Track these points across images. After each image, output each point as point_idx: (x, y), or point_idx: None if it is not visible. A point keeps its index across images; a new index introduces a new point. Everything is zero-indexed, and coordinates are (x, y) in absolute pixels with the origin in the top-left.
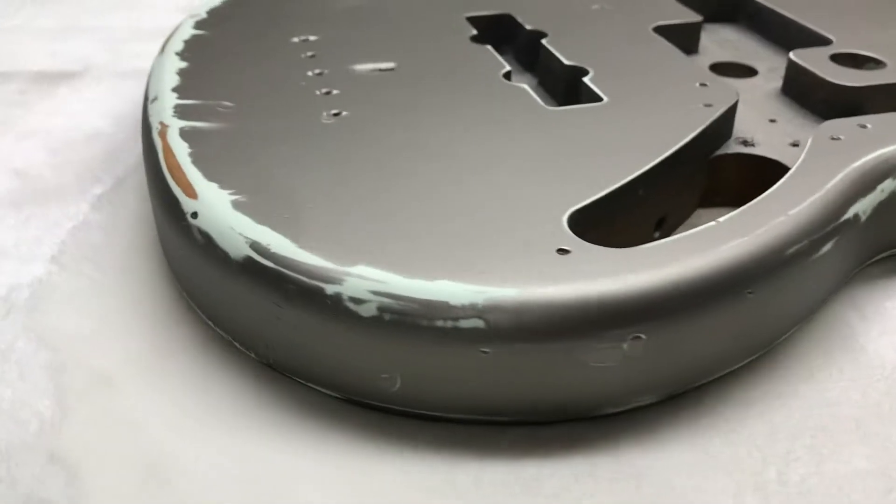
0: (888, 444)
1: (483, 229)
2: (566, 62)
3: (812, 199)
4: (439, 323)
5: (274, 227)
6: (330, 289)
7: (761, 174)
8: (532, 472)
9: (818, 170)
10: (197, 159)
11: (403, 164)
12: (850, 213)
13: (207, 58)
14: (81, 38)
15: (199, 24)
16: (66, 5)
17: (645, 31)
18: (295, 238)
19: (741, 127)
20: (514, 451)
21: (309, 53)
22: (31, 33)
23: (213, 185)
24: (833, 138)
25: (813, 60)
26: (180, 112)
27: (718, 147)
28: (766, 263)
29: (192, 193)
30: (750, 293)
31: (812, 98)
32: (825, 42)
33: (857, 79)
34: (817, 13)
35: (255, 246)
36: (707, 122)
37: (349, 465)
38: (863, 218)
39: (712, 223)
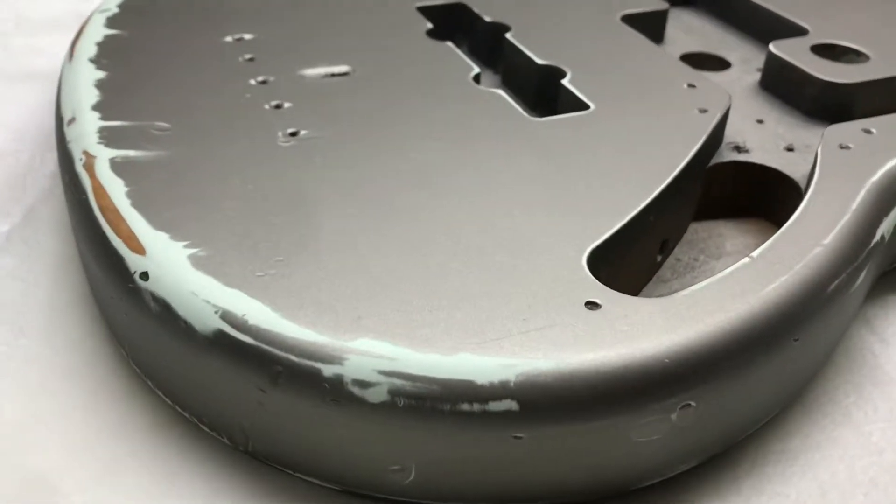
0: None
1: (497, 281)
2: (539, 61)
3: (842, 223)
4: (464, 407)
5: (248, 291)
6: (328, 370)
7: (759, 183)
8: None
9: (838, 188)
10: (138, 201)
11: (387, 198)
12: (878, 236)
13: (129, 65)
14: None
15: (111, 22)
16: None
17: (613, 21)
18: (277, 305)
19: (729, 129)
20: None
21: (247, 56)
22: None
23: (164, 236)
24: (842, 147)
25: (795, 53)
26: (107, 138)
27: (713, 155)
28: (812, 303)
29: (137, 247)
30: (796, 340)
31: (798, 95)
32: (797, 29)
33: (847, 75)
34: None
35: (227, 316)
36: (707, 132)
37: None
38: (886, 238)
39: (746, 260)
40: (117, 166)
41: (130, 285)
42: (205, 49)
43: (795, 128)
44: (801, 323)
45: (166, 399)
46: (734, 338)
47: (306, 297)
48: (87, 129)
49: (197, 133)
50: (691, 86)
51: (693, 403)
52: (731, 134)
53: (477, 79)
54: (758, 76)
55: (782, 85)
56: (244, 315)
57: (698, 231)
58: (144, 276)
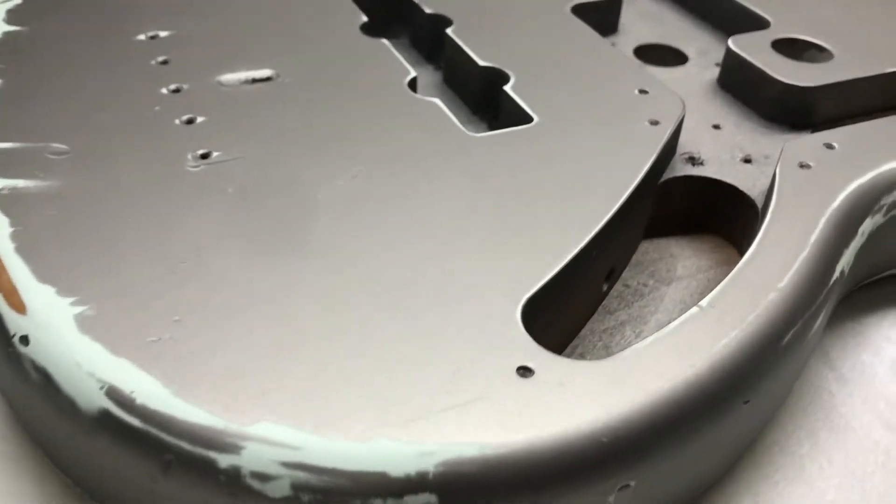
0: None
1: (421, 342)
2: (481, 63)
3: (799, 261)
4: (377, 503)
5: (138, 361)
6: (224, 460)
7: (713, 199)
8: None
9: (795, 218)
10: (23, 244)
11: (301, 240)
12: (837, 272)
13: (27, 69)
14: None
15: (12, 16)
16: None
17: (563, 13)
18: (168, 378)
19: (683, 136)
20: None
21: (161, 59)
22: None
23: (48, 291)
24: (801, 166)
25: (754, 51)
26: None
27: (665, 170)
28: (765, 359)
29: (18, 304)
30: (747, 402)
31: (757, 97)
32: (759, 21)
33: (808, 77)
34: None
35: (113, 393)
36: (658, 148)
37: None
38: (846, 272)
39: (694, 310)
40: (3, 200)
41: (10, 349)
42: (115, 49)
43: (754, 134)
44: (752, 383)
45: (67, 477)
46: (678, 407)
47: (203, 369)
48: None
49: (97, 157)
50: (643, 91)
51: (632, 483)
52: (686, 142)
53: (413, 84)
54: (716, 71)
55: (741, 85)
56: (132, 392)
57: (649, 251)
58: (24, 340)
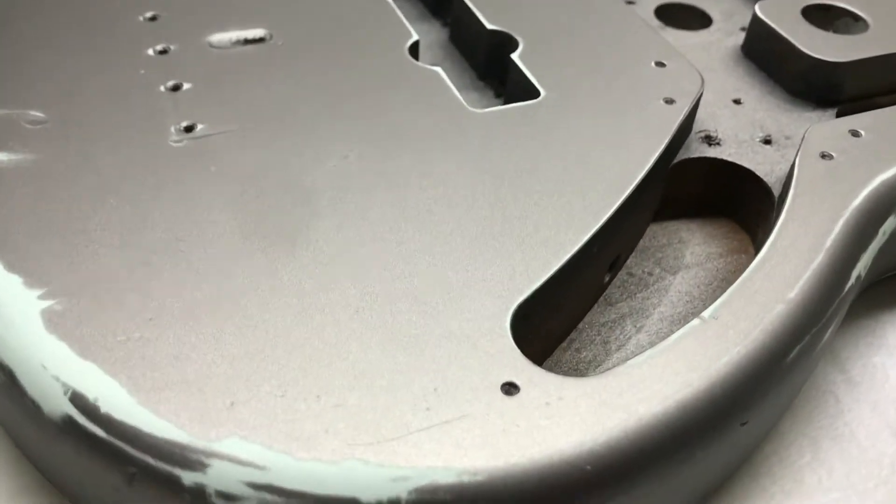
0: None
1: (403, 352)
2: (489, 25)
3: (812, 268)
4: None
5: (104, 364)
6: (189, 478)
7: (728, 182)
8: None
9: (812, 216)
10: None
11: (286, 230)
12: (853, 278)
13: (8, 27)
14: None
15: None
16: None
17: None
18: (135, 385)
19: (701, 112)
20: None
21: (149, 14)
22: None
23: (16, 282)
24: (823, 156)
25: (782, 18)
26: None
27: (679, 151)
28: (767, 378)
29: None
30: (744, 424)
31: (782, 70)
32: None
33: (840, 51)
34: None
35: (77, 400)
36: (672, 130)
37: None
38: (863, 276)
39: (695, 322)
40: None
41: None
42: (102, 4)
43: (776, 111)
44: (751, 404)
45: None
46: (670, 432)
47: (172, 375)
48: None
49: (76, 127)
50: (660, 64)
51: None
52: (703, 118)
53: (415, 49)
54: (741, 37)
55: (766, 56)
56: (96, 400)
57: (657, 235)
58: None
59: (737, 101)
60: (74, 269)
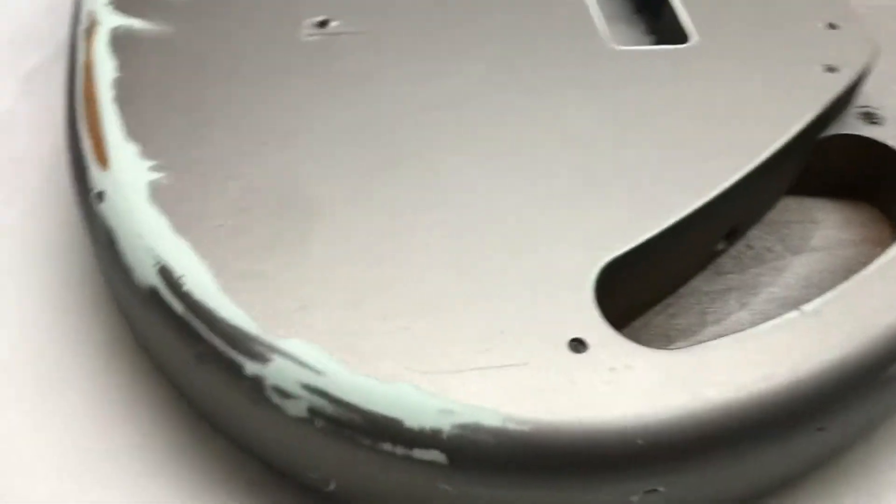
0: None
1: (479, 290)
2: None
3: None
4: (386, 447)
5: (196, 244)
6: (251, 368)
7: (879, 165)
8: None
9: None
10: (122, 94)
11: (390, 144)
12: None
13: None
14: None
15: None
16: None
17: None
18: (219, 270)
19: (868, 85)
20: None
21: None
22: None
23: (132, 150)
24: None
25: None
26: (117, 3)
27: (832, 122)
28: (858, 391)
29: (102, 157)
30: (821, 429)
31: None
32: None
33: None
34: None
35: (164, 273)
36: (827, 102)
37: None
38: None
39: (794, 313)
40: (117, 41)
41: (89, 202)
42: None
43: None
44: (833, 412)
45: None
46: (735, 423)
47: (255, 267)
48: None
49: (215, 6)
50: (832, 26)
51: (662, 489)
52: (869, 93)
53: None
54: None
55: None
56: (181, 277)
57: (788, 210)
58: (100, 196)
59: None
60: (188, 146)
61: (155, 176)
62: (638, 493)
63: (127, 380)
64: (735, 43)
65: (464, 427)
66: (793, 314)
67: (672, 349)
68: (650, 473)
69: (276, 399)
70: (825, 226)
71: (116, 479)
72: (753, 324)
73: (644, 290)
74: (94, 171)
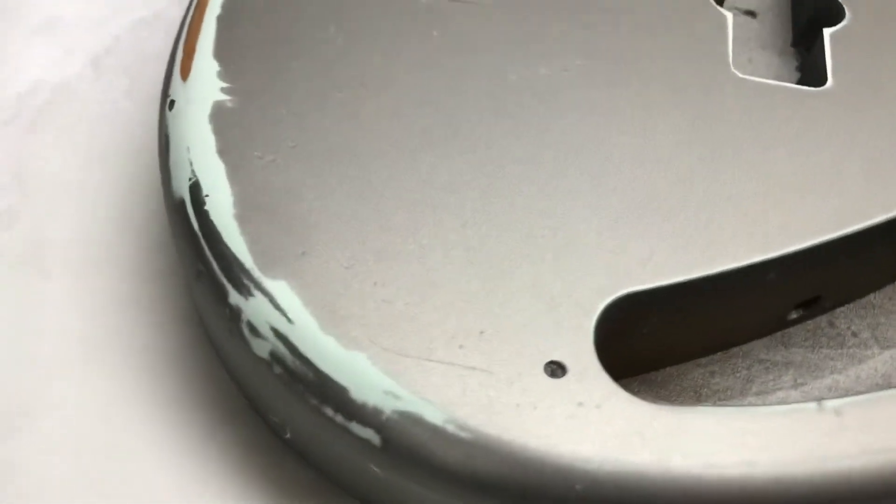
0: None
1: (472, 286)
2: None
3: None
4: (328, 411)
5: (231, 169)
6: (233, 298)
7: None
8: None
9: None
10: (227, 13)
11: (457, 120)
12: None
13: None
14: None
15: None
16: None
17: None
18: (241, 198)
19: None
20: None
21: None
22: None
23: (213, 68)
24: None
25: None
26: None
27: None
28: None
29: (186, 69)
30: None
31: None
32: None
33: None
34: None
35: (193, 189)
36: None
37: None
38: None
39: (811, 405)
40: None
41: (163, 111)
42: None
43: None
44: None
45: None
46: (689, 500)
47: (273, 203)
48: None
49: None
50: None
51: None
52: None
53: None
54: None
55: None
56: (206, 196)
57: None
58: (171, 104)
59: None
60: (265, 77)
61: (223, 97)
62: None
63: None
64: (875, 98)
65: (404, 415)
66: (810, 405)
67: (658, 403)
68: None
69: (247, 334)
70: None
71: None
72: None
73: (674, 336)
74: (176, 80)
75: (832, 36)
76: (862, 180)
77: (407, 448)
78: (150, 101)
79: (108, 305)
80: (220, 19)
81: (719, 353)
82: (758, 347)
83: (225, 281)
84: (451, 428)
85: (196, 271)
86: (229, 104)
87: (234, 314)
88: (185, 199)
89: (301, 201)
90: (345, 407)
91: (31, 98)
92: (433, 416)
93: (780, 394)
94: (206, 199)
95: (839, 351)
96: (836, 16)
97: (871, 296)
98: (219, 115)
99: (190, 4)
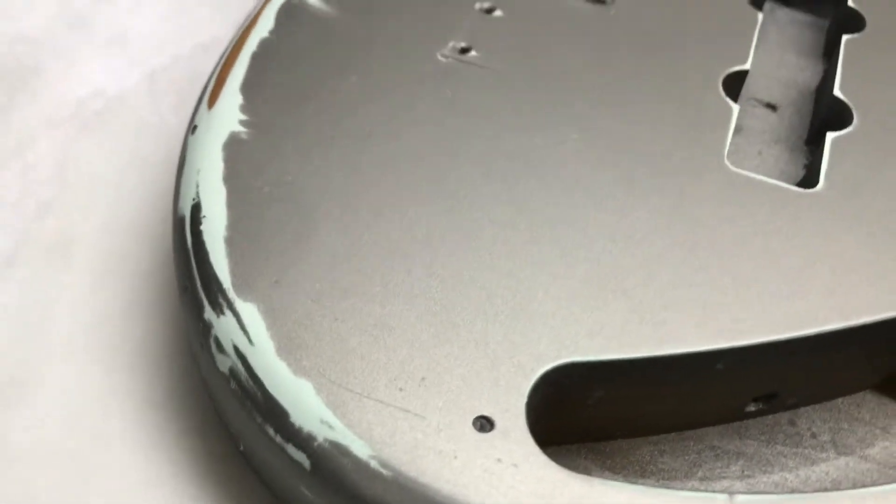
0: None
1: (423, 333)
2: (836, 90)
3: None
4: (270, 432)
5: (232, 194)
6: (207, 313)
7: None
8: None
9: None
10: (261, 52)
11: (448, 180)
12: None
13: None
14: None
15: None
16: None
17: None
18: (236, 221)
19: None
20: None
21: None
22: None
23: (237, 100)
24: None
25: None
26: None
27: None
28: None
29: (214, 97)
30: None
31: None
32: None
33: None
34: None
35: (195, 208)
36: None
37: None
38: None
39: (721, 497)
40: (289, 8)
41: (187, 136)
42: None
43: None
44: None
45: None
46: None
47: (260, 229)
48: None
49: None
50: None
51: None
52: None
53: (738, 77)
54: None
55: None
56: (204, 217)
57: (863, 404)
58: (194, 129)
59: None
60: (283, 114)
61: (239, 129)
62: None
63: None
64: (859, 207)
65: (334, 445)
66: (720, 497)
67: (576, 473)
68: None
69: (213, 349)
70: None
71: None
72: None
73: (620, 412)
74: (203, 106)
75: (834, 140)
76: (827, 286)
77: (332, 476)
78: None
79: (117, 305)
80: (254, 56)
81: (673, 434)
82: (712, 433)
83: (203, 297)
84: (373, 464)
85: (183, 285)
86: (244, 135)
87: (206, 329)
88: (186, 217)
89: (285, 233)
90: (284, 429)
91: (90, 102)
92: (360, 450)
93: (725, 482)
94: (203, 220)
95: (794, 450)
96: (844, 121)
97: (839, 400)
98: (232, 145)
99: (234, 38)
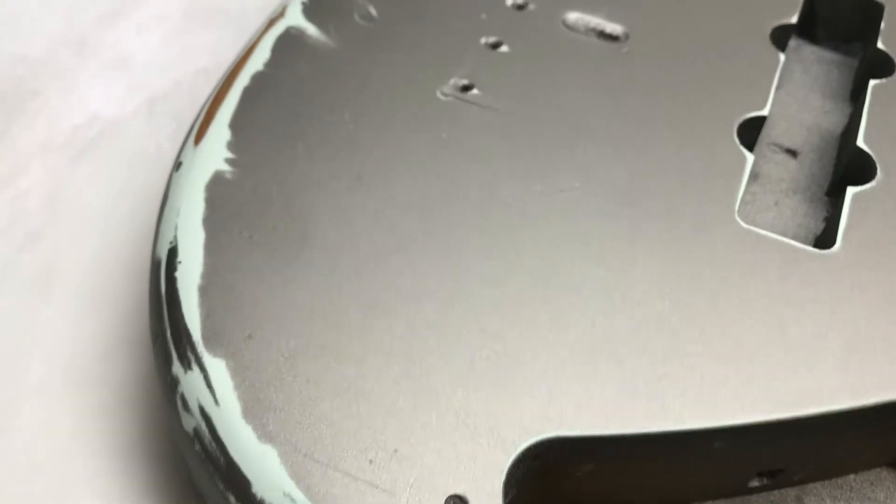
0: None
1: (400, 401)
2: (861, 142)
3: None
4: (231, 499)
5: (210, 240)
6: (175, 367)
7: None
8: None
9: None
10: (254, 86)
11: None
12: None
13: None
14: None
15: None
16: None
17: None
18: (210, 272)
19: None
20: None
21: None
22: None
23: (224, 137)
24: None
25: None
26: (311, 5)
27: None
28: None
29: (201, 133)
30: None
31: None
32: None
33: None
34: None
35: (172, 252)
36: None
37: None
38: None
39: None
40: (286, 38)
41: (173, 172)
42: None
43: None
44: None
45: None
46: None
47: (238, 283)
48: None
49: (385, 34)
50: None
51: None
52: None
53: (755, 123)
54: None
55: None
56: (179, 262)
57: (878, 482)
58: (178, 166)
59: None
60: (269, 156)
61: (224, 168)
62: None
63: None
64: (877, 275)
65: None
66: None
67: None
68: None
69: (179, 406)
70: None
71: None
72: None
73: (614, 486)
74: (189, 143)
75: (854, 196)
76: (838, 361)
77: None
78: None
79: (96, 346)
80: (245, 91)
81: None
82: None
83: (173, 349)
84: None
85: (154, 333)
86: (228, 175)
87: (173, 384)
88: (162, 261)
89: (261, 284)
90: (246, 498)
91: (85, 130)
92: None
93: None
94: (179, 266)
95: None
96: (866, 174)
97: (851, 476)
98: (215, 185)
99: (228, 69)
